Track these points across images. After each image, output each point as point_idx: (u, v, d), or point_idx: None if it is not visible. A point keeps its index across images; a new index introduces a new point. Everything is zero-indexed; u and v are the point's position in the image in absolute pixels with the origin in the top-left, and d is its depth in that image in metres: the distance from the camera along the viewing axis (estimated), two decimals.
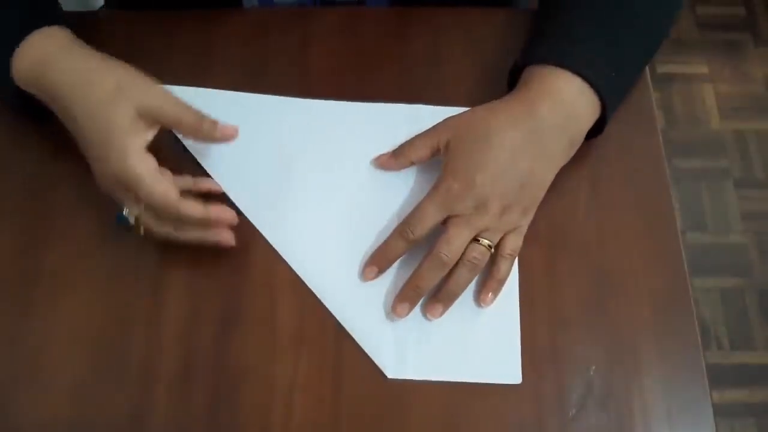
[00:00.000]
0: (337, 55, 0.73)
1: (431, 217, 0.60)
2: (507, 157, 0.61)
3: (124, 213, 0.61)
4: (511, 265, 0.62)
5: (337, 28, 0.75)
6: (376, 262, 0.62)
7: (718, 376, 1.45)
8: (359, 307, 0.62)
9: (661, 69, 1.81)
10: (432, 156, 0.64)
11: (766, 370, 1.47)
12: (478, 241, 0.60)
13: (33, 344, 0.61)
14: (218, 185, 0.65)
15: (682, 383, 0.60)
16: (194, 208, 0.60)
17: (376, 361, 0.60)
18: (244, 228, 0.65)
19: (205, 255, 0.64)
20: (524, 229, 0.63)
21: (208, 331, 0.61)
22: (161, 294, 0.63)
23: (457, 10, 0.76)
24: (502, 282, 0.62)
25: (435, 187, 0.61)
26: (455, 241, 0.60)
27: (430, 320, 0.61)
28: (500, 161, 0.60)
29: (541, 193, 0.63)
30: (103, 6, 0.93)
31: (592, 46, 0.64)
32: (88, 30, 0.70)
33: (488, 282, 0.62)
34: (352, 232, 0.64)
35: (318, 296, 0.62)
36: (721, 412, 1.42)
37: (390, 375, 0.59)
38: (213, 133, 0.62)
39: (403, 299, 0.61)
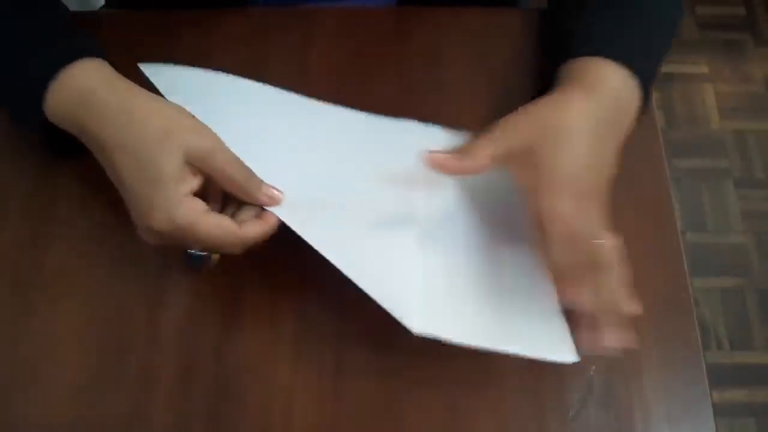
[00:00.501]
0: (337, 55, 0.73)
1: (565, 257, 0.54)
2: (582, 167, 0.55)
3: (193, 251, 0.58)
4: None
5: (337, 28, 0.75)
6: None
7: (718, 376, 1.45)
8: (379, 264, 0.58)
9: (661, 69, 1.81)
10: (492, 159, 0.57)
11: (766, 370, 1.47)
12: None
13: (33, 345, 0.61)
14: (278, 194, 0.59)
15: (682, 383, 0.60)
16: (255, 231, 0.56)
17: (399, 317, 0.54)
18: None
19: None
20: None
21: (208, 331, 0.61)
22: (161, 294, 0.63)
23: (458, 10, 0.76)
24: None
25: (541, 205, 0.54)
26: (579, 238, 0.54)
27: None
28: (574, 174, 0.55)
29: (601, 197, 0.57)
30: (103, 6, 0.93)
31: (629, 37, 0.63)
32: (88, 30, 0.70)
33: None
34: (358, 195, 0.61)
35: (332, 261, 0.56)
36: (721, 412, 1.42)
37: (416, 331, 0.54)
38: (256, 193, 0.58)
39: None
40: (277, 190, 0.58)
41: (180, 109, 0.58)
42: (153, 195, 0.55)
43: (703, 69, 1.82)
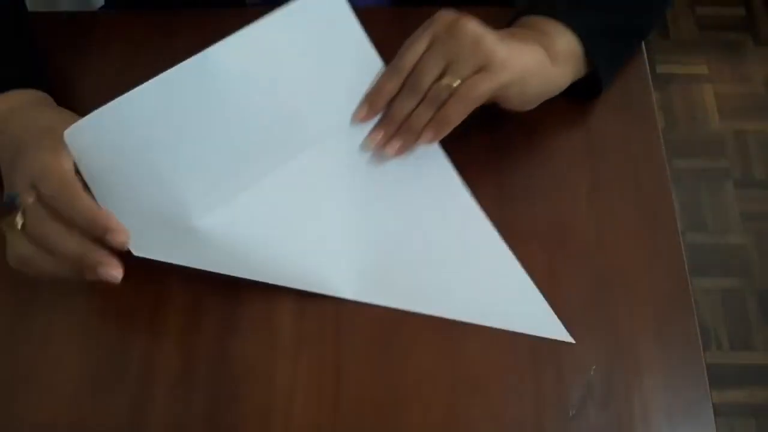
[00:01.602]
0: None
1: (420, 42, 0.62)
2: (485, 29, 0.62)
3: (13, 195, 0.55)
4: (463, 109, 0.61)
5: None
6: (370, 100, 0.63)
7: (718, 376, 1.44)
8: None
9: (661, 69, 1.81)
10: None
11: (766, 370, 1.47)
12: (440, 80, 0.61)
13: (33, 344, 0.61)
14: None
15: (682, 383, 0.60)
16: (91, 206, 0.54)
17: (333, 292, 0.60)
18: None
19: None
20: (494, 82, 0.61)
21: (208, 331, 0.61)
22: (161, 294, 0.63)
23: (457, 10, 0.76)
24: (443, 123, 0.61)
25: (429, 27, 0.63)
26: (427, 67, 0.61)
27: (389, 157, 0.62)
28: (478, 28, 0.62)
29: (518, 63, 0.62)
30: (103, 6, 0.93)
31: (580, 8, 0.68)
32: (88, 30, 0.70)
33: (430, 121, 0.62)
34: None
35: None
36: (721, 412, 1.42)
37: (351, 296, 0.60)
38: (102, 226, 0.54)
39: (379, 130, 0.63)
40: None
41: (74, 117, 0.58)
42: (36, 139, 0.56)
43: (703, 69, 1.82)
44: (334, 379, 0.60)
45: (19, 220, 0.55)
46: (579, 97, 0.70)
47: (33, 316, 0.62)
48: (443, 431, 0.58)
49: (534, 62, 0.63)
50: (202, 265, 0.59)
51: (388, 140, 0.63)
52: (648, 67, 0.73)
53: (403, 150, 0.63)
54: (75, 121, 0.56)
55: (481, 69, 0.61)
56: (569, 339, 0.60)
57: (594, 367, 0.60)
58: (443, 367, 0.60)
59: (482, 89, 0.61)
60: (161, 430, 0.58)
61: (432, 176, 0.65)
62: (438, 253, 0.63)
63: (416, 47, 0.62)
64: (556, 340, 0.61)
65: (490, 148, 0.69)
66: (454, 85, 0.61)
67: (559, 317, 0.62)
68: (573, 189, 0.67)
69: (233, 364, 0.60)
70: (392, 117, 0.62)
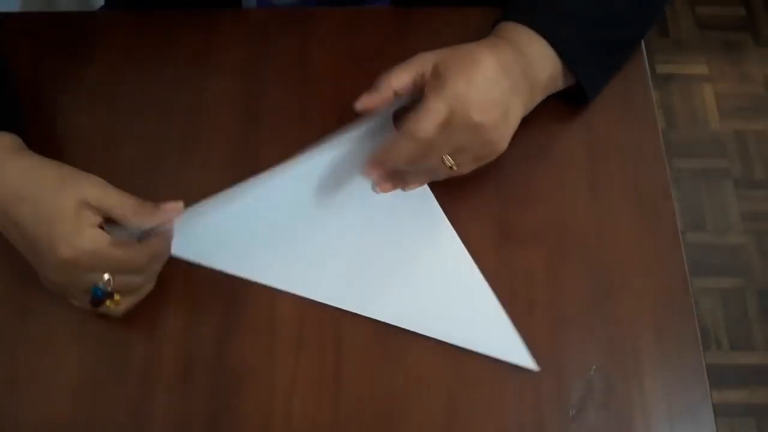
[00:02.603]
0: (337, 55, 0.73)
1: (435, 115, 0.60)
2: (491, 82, 0.61)
3: (99, 285, 0.57)
4: (417, 151, 0.61)
5: (337, 28, 0.75)
6: (380, 161, 0.64)
7: (718, 376, 1.44)
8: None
9: (661, 69, 1.81)
10: (413, 85, 0.63)
11: (766, 370, 1.47)
12: (442, 159, 0.62)
13: (33, 345, 0.61)
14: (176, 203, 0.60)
15: (682, 383, 0.60)
16: (157, 242, 0.58)
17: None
18: None
19: None
20: (485, 161, 0.64)
21: (208, 331, 0.61)
22: (161, 294, 0.63)
23: (457, 10, 0.76)
24: (389, 159, 0.63)
25: (437, 89, 0.60)
26: (439, 151, 0.61)
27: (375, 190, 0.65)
28: (487, 83, 0.61)
29: (513, 127, 0.64)
30: (102, 6, 0.93)
31: (555, 6, 0.67)
32: (88, 30, 0.70)
33: (378, 151, 0.63)
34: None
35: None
36: (721, 412, 1.41)
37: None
38: (156, 212, 0.59)
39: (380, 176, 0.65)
40: (173, 203, 0.59)
41: (70, 166, 0.59)
42: (54, 230, 0.56)
43: (703, 69, 1.82)
44: (333, 380, 0.60)
45: (117, 298, 0.58)
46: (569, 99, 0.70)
47: (33, 317, 0.62)
48: (443, 431, 0.58)
49: (521, 113, 0.65)
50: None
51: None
52: (648, 67, 0.73)
53: (389, 190, 0.66)
54: (63, 165, 0.59)
55: (481, 158, 0.64)
56: (532, 366, 0.60)
57: (594, 367, 0.60)
58: (443, 367, 0.60)
59: (470, 169, 0.64)
60: (161, 430, 0.58)
61: (412, 198, 0.67)
62: (409, 269, 0.64)
63: (434, 122, 0.60)
64: (555, 341, 0.61)
65: None
66: (455, 168, 0.63)
67: (560, 317, 0.62)
68: (573, 189, 0.67)
69: (233, 364, 0.60)
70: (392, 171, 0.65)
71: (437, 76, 0.61)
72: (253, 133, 0.70)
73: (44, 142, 0.67)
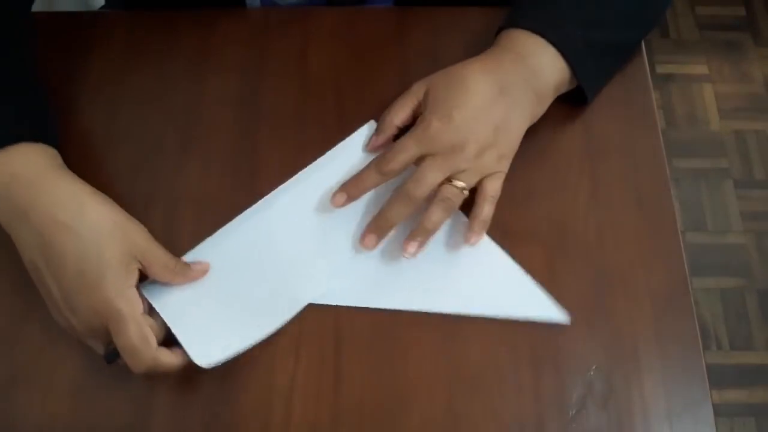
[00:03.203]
0: (337, 55, 0.73)
1: (408, 152, 0.62)
2: (481, 101, 0.63)
3: (111, 348, 0.57)
4: (493, 207, 0.63)
5: (337, 28, 0.75)
6: (348, 189, 0.63)
7: (718, 376, 1.45)
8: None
9: (661, 69, 1.81)
10: (414, 115, 0.65)
11: (766, 370, 1.47)
12: (452, 182, 0.62)
13: (33, 344, 0.61)
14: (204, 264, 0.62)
15: (682, 383, 0.60)
16: (169, 359, 0.57)
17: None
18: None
19: None
20: (502, 176, 0.64)
21: None
22: None
23: (457, 9, 0.76)
24: (486, 223, 0.63)
25: (415, 126, 0.63)
26: (426, 176, 0.61)
27: (406, 257, 0.62)
28: (476, 104, 0.63)
29: (516, 142, 0.65)
30: (103, 6, 0.93)
31: (559, 11, 0.67)
32: (88, 30, 0.70)
33: (473, 222, 0.63)
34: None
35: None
36: (721, 412, 1.42)
37: (203, 365, 0.58)
38: (187, 272, 0.61)
39: (371, 230, 0.62)
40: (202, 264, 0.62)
41: (117, 206, 0.60)
42: (100, 275, 0.55)
43: (703, 69, 1.82)
44: (333, 379, 0.60)
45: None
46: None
47: (33, 317, 0.62)
48: (443, 431, 0.58)
49: (524, 126, 0.65)
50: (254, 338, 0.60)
51: (378, 241, 0.63)
52: (648, 67, 0.73)
53: (420, 250, 0.62)
54: (113, 204, 0.59)
55: (485, 177, 0.63)
56: (564, 318, 0.61)
57: (594, 367, 0.60)
58: (443, 367, 0.60)
59: (499, 187, 0.63)
60: (161, 430, 0.58)
61: None
62: (427, 251, 0.63)
63: (406, 156, 0.62)
64: (555, 341, 0.61)
65: None
66: (466, 192, 0.62)
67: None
68: (573, 189, 0.67)
69: (233, 365, 0.60)
70: (386, 222, 0.62)
71: (426, 102, 0.64)
72: (252, 133, 0.70)
73: None
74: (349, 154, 0.67)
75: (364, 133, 0.68)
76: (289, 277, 0.63)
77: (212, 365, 0.57)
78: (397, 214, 0.62)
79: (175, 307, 0.59)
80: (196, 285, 0.61)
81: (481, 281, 0.63)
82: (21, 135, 0.59)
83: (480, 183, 0.63)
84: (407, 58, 0.73)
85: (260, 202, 0.65)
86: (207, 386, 0.59)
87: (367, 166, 0.63)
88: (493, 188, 0.63)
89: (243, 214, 0.65)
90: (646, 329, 0.61)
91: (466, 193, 0.62)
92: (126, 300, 0.56)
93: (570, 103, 0.70)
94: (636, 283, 0.63)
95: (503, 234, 0.65)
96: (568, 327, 0.61)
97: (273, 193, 0.66)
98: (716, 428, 0.58)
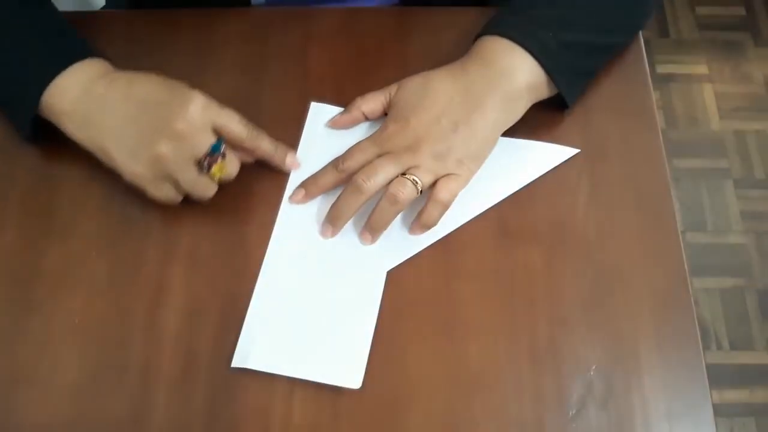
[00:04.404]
0: (337, 55, 0.73)
1: (364, 152, 0.64)
2: (442, 105, 0.64)
3: (215, 142, 0.61)
4: (442, 212, 0.63)
5: (337, 28, 0.75)
6: (306, 185, 0.66)
7: (718, 376, 1.45)
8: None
9: (661, 69, 1.81)
10: (383, 110, 0.68)
11: (766, 370, 1.47)
12: (405, 175, 0.62)
13: (33, 343, 0.61)
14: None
15: (682, 383, 0.60)
16: (268, 142, 0.65)
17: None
18: (244, 228, 0.65)
19: (206, 255, 0.64)
20: (461, 180, 0.64)
21: (208, 331, 0.61)
22: (161, 294, 0.63)
23: (457, 10, 0.76)
24: (427, 226, 0.64)
25: (375, 131, 0.65)
26: (377, 170, 0.62)
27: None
28: (434, 108, 0.64)
29: (482, 146, 0.65)
30: (103, 6, 0.93)
31: (532, 16, 0.67)
32: (88, 30, 0.70)
33: (413, 223, 0.64)
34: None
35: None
36: (721, 412, 1.42)
37: (233, 365, 0.59)
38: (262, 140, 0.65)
39: (326, 222, 0.64)
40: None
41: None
42: (185, 96, 0.61)
43: (703, 69, 1.82)
44: None
45: (222, 165, 0.62)
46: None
47: (33, 316, 0.62)
48: (443, 431, 0.58)
49: (491, 130, 0.65)
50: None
51: (335, 232, 0.65)
52: (648, 67, 0.73)
53: (373, 241, 0.64)
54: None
55: (441, 178, 0.63)
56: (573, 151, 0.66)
57: (594, 367, 0.60)
58: (443, 367, 0.60)
59: (454, 190, 0.63)
60: (161, 430, 0.58)
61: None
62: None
63: (362, 156, 0.64)
64: (555, 341, 0.61)
65: None
66: (419, 186, 0.62)
67: (560, 317, 0.62)
68: (573, 189, 0.67)
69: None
70: (339, 214, 0.64)
71: (391, 104, 0.67)
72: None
73: (45, 141, 0.68)
74: (316, 142, 0.69)
75: (314, 117, 0.70)
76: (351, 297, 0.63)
77: (241, 366, 0.59)
78: (347, 207, 0.63)
79: (264, 310, 0.62)
80: (290, 303, 0.62)
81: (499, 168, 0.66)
82: (94, 52, 0.66)
83: (434, 184, 0.63)
84: (407, 57, 0.73)
85: (272, 242, 0.65)
86: (207, 386, 0.59)
87: (326, 165, 0.66)
88: (445, 190, 0.63)
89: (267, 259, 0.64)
90: (646, 329, 0.61)
91: (419, 187, 0.62)
92: (214, 102, 0.63)
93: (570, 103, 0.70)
94: (636, 283, 0.63)
95: (503, 233, 0.65)
96: (568, 327, 0.61)
97: (276, 225, 0.66)
98: (716, 428, 0.58)
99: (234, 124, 0.63)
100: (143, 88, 0.63)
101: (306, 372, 0.59)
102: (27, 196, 0.67)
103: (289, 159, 0.67)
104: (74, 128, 0.64)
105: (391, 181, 0.62)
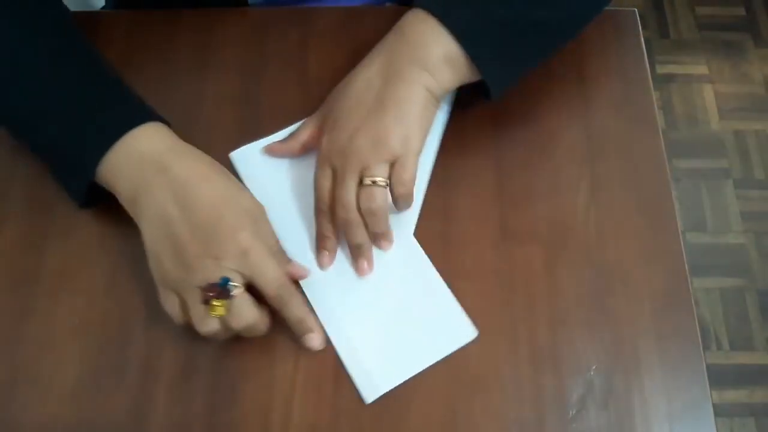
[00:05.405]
0: (337, 55, 0.73)
1: (324, 178, 0.63)
2: (362, 93, 0.63)
3: (229, 279, 0.57)
4: (410, 196, 0.62)
5: (337, 28, 0.75)
6: (323, 245, 0.64)
7: (718, 376, 1.44)
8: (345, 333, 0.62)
9: (661, 69, 1.81)
10: (320, 133, 0.65)
11: (766, 370, 1.47)
12: (362, 183, 0.61)
13: (33, 344, 0.61)
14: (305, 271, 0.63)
15: (682, 383, 0.60)
16: (300, 306, 0.60)
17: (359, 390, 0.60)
18: None
19: None
20: (412, 156, 0.61)
21: None
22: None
23: None
24: (408, 203, 0.63)
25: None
26: (342, 195, 0.61)
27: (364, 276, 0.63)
28: (356, 99, 0.63)
29: (415, 116, 0.62)
30: (103, 6, 0.93)
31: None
32: (89, 30, 0.70)
33: (396, 209, 0.63)
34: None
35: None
36: (721, 412, 1.42)
37: (368, 401, 0.59)
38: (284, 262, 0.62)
39: (356, 260, 0.63)
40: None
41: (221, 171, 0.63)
42: (243, 221, 0.58)
43: (703, 69, 1.82)
44: (333, 380, 0.60)
45: (228, 306, 0.57)
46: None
47: (33, 316, 0.62)
48: (443, 431, 0.58)
49: (418, 98, 0.62)
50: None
51: (371, 263, 0.64)
52: (648, 67, 0.73)
53: (390, 242, 0.64)
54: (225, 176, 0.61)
55: (395, 161, 0.61)
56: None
57: (594, 367, 0.60)
58: (443, 367, 0.60)
59: (409, 172, 0.61)
60: (161, 430, 0.58)
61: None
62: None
63: (324, 181, 0.63)
64: (555, 341, 0.61)
65: (491, 148, 0.69)
66: (382, 183, 0.61)
67: (560, 317, 0.62)
68: (573, 189, 0.67)
69: (233, 364, 0.60)
70: (359, 248, 0.63)
71: (323, 117, 0.66)
72: (252, 132, 0.69)
73: None
74: (260, 181, 0.67)
75: (241, 163, 0.68)
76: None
77: (377, 397, 0.59)
78: (359, 238, 0.62)
79: (348, 341, 0.61)
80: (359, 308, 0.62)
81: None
82: (149, 114, 0.63)
83: (391, 173, 0.61)
84: None
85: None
86: (207, 386, 0.59)
87: (315, 215, 0.64)
88: (401, 176, 0.61)
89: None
90: (646, 329, 0.61)
91: (383, 184, 0.61)
92: (262, 240, 0.59)
93: (571, 103, 0.70)
94: (636, 283, 0.63)
95: (503, 233, 0.65)
96: (568, 327, 0.61)
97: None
98: (716, 428, 0.58)
99: (269, 279, 0.58)
100: (198, 194, 0.58)
101: (428, 358, 0.60)
102: (27, 197, 0.67)
103: (309, 336, 0.60)
104: (123, 202, 0.61)
105: (358, 194, 0.61)
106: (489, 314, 0.62)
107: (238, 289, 0.57)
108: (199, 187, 0.58)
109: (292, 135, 0.68)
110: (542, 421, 0.58)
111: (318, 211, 0.64)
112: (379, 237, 0.63)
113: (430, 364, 0.60)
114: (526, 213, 0.66)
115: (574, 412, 0.58)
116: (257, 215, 0.60)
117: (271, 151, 0.68)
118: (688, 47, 1.85)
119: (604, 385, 0.59)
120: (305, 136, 0.67)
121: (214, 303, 0.56)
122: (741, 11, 1.90)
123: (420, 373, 0.60)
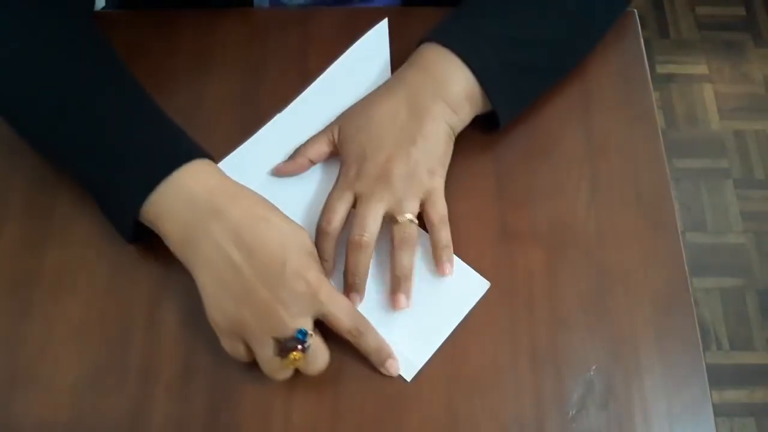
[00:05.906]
0: (337, 55, 0.73)
1: (342, 201, 0.62)
2: (387, 124, 0.63)
3: (305, 330, 0.56)
4: (447, 227, 0.63)
5: (337, 28, 0.75)
6: (328, 268, 0.63)
7: (718, 376, 1.44)
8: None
9: (661, 69, 1.81)
10: (330, 151, 0.67)
11: (766, 370, 1.47)
12: (397, 220, 0.61)
13: (33, 344, 0.61)
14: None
15: (682, 383, 0.60)
16: (377, 335, 0.60)
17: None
18: None
19: None
20: (440, 192, 0.63)
21: (208, 331, 0.61)
22: (161, 294, 0.63)
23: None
24: (449, 247, 0.63)
25: (338, 177, 0.65)
26: (367, 220, 0.61)
27: (397, 310, 0.62)
28: (383, 129, 0.63)
29: (442, 152, 0.64)
30: (104, 7, 0.93)
31: (476, 27, 0.66)
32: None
33: (437, 253, 0.63)
34: None
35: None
36: (721, 412, 1.42)
37: (408, 379, 0.60)
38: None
39: (350, 291, 0.62)
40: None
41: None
42: (309, 262, 0.58)
43: (703, 69, 1.82)
44: (333, 380, 0.60)
45: (303, 357, 0.57)
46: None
47: (33, 316, 0.62)
48: (443, 431, 0.58)
49: (445, 135, 0.64)
50: None
51: (362, 296, 0.62)
52: (648, 67, 0.73)
53: (410, 298, 0.62)
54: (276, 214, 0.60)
55: (425, 198, 0.63)
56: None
57: (594, 367, 0.60)
58: (443, 367, 0.60)
59: (442, 204, 0.63)
60: (161, 430, 0.58)
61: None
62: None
63: (342, 205, 0.63)
64: (555, 341, 0.61)
65: (491, 148, 0.69)
66: (414, 220, 0.62)
67: (560, 317, 0.62)
68: (573, 189, 0.67)
69: (233, 364, 0.60)
70: (357, 277, 0.61)
71: (340, 143, 0.65)
72: (253, 132, 0.69)
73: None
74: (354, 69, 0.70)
75: (371, 39, 0.70)
76: None
77: (415, 373, 0.60)
78: (360, 266, 0.61)
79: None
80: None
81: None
82: (195, 150, 0.61)
83: (423, 209, 0.63)
84: (407, 56, 0.73)
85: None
86: (207, 386, 0.59)
87: (316, 234, 0.63)
88: (436, 211, 0.63)
89: None
90: (646, 329, 0.61)
91: (415, 221, 0.62)
92: (327, 284, 0.58)
93: (571, 103, 0.70)
94: (636, 283, 0.63)
95: (503, 233, 0.65)
96: (568, 327, 0.61)
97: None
98: (716, 428, 0.58)
99: (342, 315, 0.58)
100: (259, 237, 0.57)
101: (450, 322, 0.61)
102: (27, 197, 0.67)
103: (390, 363, 0.59)
104: (171, 244, 0.60)
105: (392, 230, 0.61)
106: (489, 314, 0.62)
107: (313, 339, 0.57)
108: (258, 228, 0.57)
109: (298, 152, 0.67)
110: (542, 421, 0.58)
111: (322, 232, 0.63)
112: (400, 280, 0.61)
113: (454, 327, 0.61)
114: (526, 213, 0.66)
115: (574, 412, 0.58)
116: (313, 250, 0.60)
117: (279, 172, 0.67)
118: (688, 47, 1.85)
119: (604, 385, 0.59)
120: (314, 153, 0.67)
121: (293, 357, 0.56)
122: (741, 11, 1.90)
123: (420, 373, 0.60)
